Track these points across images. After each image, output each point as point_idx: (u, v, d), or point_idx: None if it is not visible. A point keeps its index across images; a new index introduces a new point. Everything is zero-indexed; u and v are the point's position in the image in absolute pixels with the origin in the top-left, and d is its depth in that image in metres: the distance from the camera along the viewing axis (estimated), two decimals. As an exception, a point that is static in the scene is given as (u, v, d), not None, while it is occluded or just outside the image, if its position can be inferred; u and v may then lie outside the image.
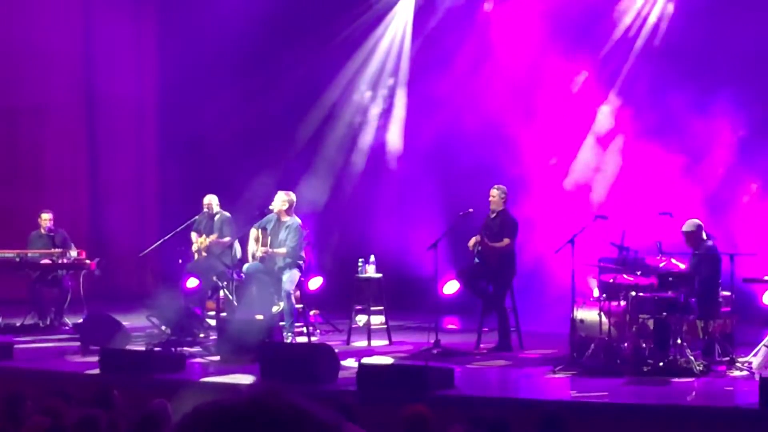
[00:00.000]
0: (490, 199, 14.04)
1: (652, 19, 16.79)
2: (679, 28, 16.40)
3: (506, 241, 13.86)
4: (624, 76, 16.79)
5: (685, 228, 12.80)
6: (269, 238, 14.76)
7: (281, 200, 14.83)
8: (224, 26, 17.89)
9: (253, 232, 14.97)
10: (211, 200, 15.89)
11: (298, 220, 14.89)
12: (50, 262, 16.05)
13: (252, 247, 14.96)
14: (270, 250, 14.65)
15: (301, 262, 14.82)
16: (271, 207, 14.90)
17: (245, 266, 14.94)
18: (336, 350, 12.15)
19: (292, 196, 14.95)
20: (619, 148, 16.70)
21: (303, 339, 14.48)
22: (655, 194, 15.78)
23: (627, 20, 16.89)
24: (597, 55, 16.88)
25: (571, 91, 17.03)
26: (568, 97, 17.05)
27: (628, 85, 16.73)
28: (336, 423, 2.76)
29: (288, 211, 14.82)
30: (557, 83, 17.01)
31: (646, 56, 16.70)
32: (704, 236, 12.76)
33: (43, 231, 16.39)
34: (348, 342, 14.60)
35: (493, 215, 14.05)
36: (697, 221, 12.87)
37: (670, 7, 16.67)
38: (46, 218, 16.37)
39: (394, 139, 18.43)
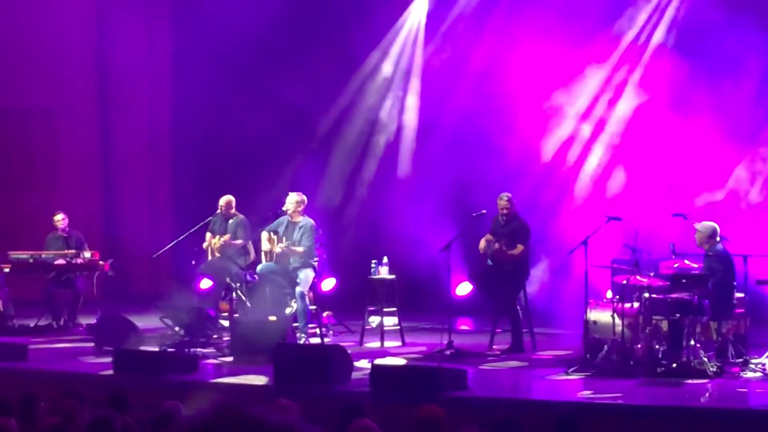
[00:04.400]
0: (504, 210, 13.99)
1: (668, 16, 16.73)
2: (695, 27, 16.34)
3: (520, 247, 13.85)
4: (640, 75, 16.76)
5: (699, 228, 12.78)
6: (283, 239, 14.81)
7: (294, 201, 14.89)
8: (239, 27, 17.89)
9: (264, 235, 15.02)
10: (228, 201, 15.78)
11: (311, 221, 14.93)
12: (64, 263, 16.10)
13: (265, 246, 14.98)
14: (290, 246, 14.69)
15: (315, 263, 14.86)
16: (284, 208, 14.95)
17: (259, 267, 14.97)
18: (349, 351, 12.15)
19: (303, 197, 15.00)
20: (633, 149, 16.68)
21: (316, 340, 14.50)
22: (669, 195, 15.76)
23: (643, 17, 16.85)
24: (612, 54, 16.86)
25: (585, 91, 17.00)
26: (582, 98, 17.03)
27: (644, 84, 16.70)
28: (290, 425, 3.28)
29: (300, 212, 14.89)
30: (571, 83, 16.97)
31: (662, 54, 16.66)
32: (717, 239, 12.75)
33: (58, 233, 16.44)
34: (361, 343, 14.61)
35: (502, 222, 14.04)
36: (712, 224, 12.84)
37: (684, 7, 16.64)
38: (59, 219, 16.42)
39: (408, 140, 18.43)
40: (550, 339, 14.64)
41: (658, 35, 16.76)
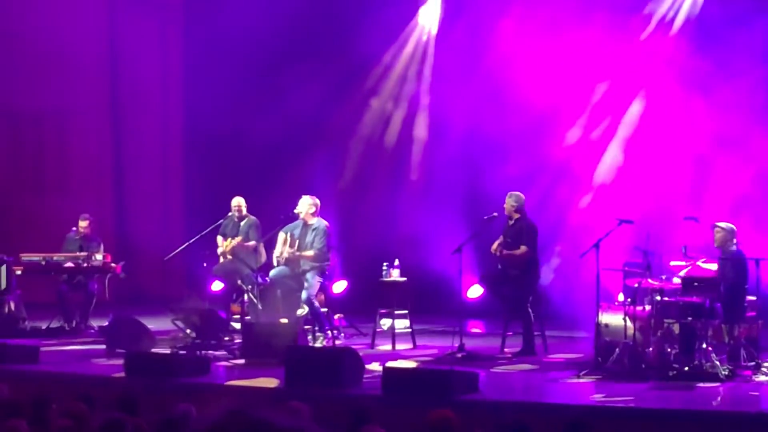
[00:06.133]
0: (504, 206, 14.02)
1: (680, 18, 16.69)
2: (708, 28, 16.30)
3: (523, 248, 13.82)
4: (651, 79, 16.73)
5: (721, 226, 12.74)
6: (296, 242, 14.80)
7: (307, 204, 14.89)
8: (250, 27, 17.93)
9: (281, 236, 14.99)
10: (240, 203, 15.83)
11: (325, 222, 14.93)
12: (75, 265, 16.11)
13: (279, 250, 14.96)
14: (297, 252, 14.69)
15: (326, 266, 14.84)
16: (296, 211, 14.94)
17: (271, 271, 14.96)
18: (360, 354, 12.15)
19: (316, 200, 14.99)
20: (645, 152, 16.64)
21: (322, 342, 14.51)
22: (681, 198, 15.72)
23: (656, 18, 16.81)
24: (623, 59, 16.82)
25: (596, 93, 16.98)
26: (593, 100, 17.01)
27: (656, 87, 16.67)
28: (300, 428, 3.30)
29: (313, 215, 14.88)
30: (582, 86, 16.96)
31: (673, 57, 16.62)
32: (734, 241, 12.72)
33: (79, 235, 16.42)
34: (372, 346, 14.61)
35: (511, 222, 14.04)
36: (731, 225, 12.82)
37: (699, 4, 16.58)
38: (83, 225, 16.39)
39: (420, 142, 18.42)
40: (561, 342, 14.62)
41: (675, 28, 16.72)
